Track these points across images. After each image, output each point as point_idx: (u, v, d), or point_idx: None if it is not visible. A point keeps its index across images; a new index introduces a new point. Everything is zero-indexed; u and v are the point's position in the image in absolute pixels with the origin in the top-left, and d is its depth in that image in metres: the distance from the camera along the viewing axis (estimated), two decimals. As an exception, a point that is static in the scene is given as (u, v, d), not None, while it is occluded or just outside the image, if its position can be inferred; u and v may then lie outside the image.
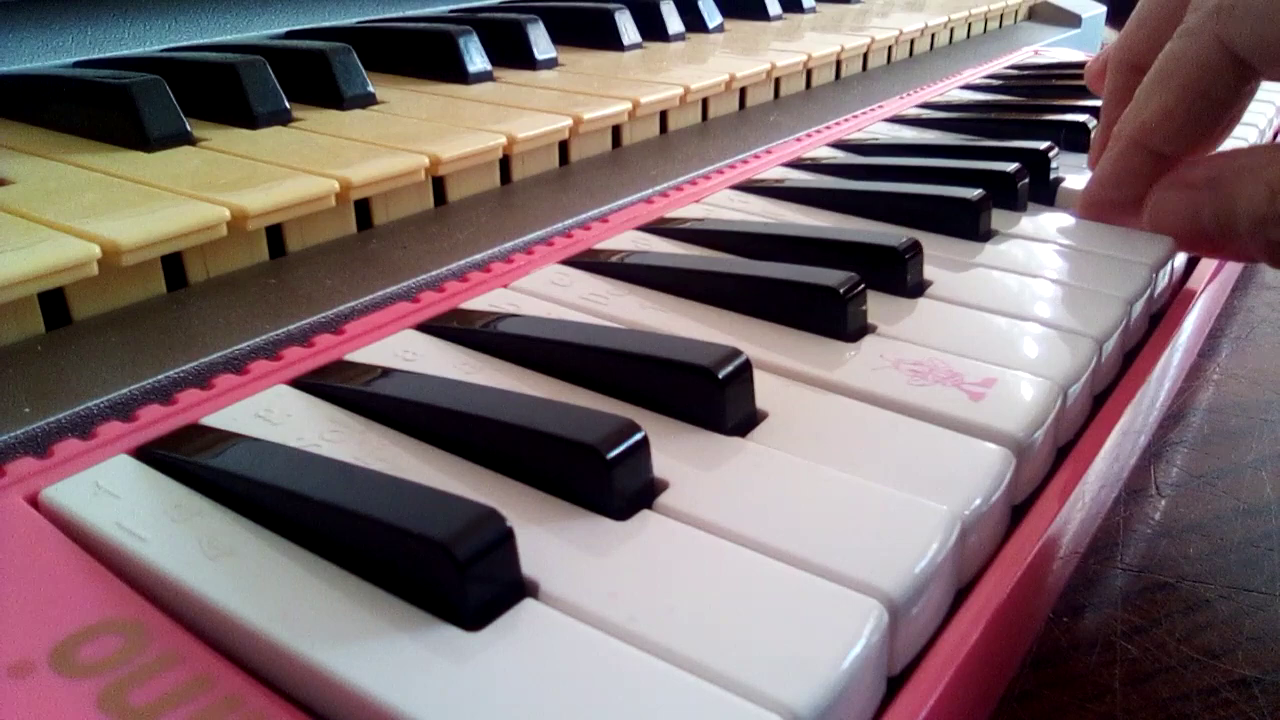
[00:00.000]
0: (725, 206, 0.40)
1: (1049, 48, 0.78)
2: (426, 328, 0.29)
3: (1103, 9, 0.96)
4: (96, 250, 0.29)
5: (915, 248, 0.32)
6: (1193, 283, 0.38)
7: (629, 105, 0.47)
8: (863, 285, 0.29)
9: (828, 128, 0.51)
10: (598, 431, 0.21)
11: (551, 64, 0.56)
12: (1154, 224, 0.34)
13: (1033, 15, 0.95)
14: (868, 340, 0.29)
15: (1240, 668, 0.24)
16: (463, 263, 0.35)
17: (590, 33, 0.62)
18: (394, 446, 0.23)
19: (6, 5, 0.48)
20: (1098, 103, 0.42)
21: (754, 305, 0.30)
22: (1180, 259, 0.38)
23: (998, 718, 0.23)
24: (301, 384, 0.26)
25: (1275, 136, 0.57)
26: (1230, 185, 0.30)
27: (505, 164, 0.43)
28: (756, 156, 0.46)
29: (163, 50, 0.53)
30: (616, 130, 0.49)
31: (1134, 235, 0.37)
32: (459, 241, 0.37)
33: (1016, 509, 0.24)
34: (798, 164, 0.45)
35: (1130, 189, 0.35)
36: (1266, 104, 0.59)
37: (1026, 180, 0.40)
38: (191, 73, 0.45)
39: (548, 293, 0.31)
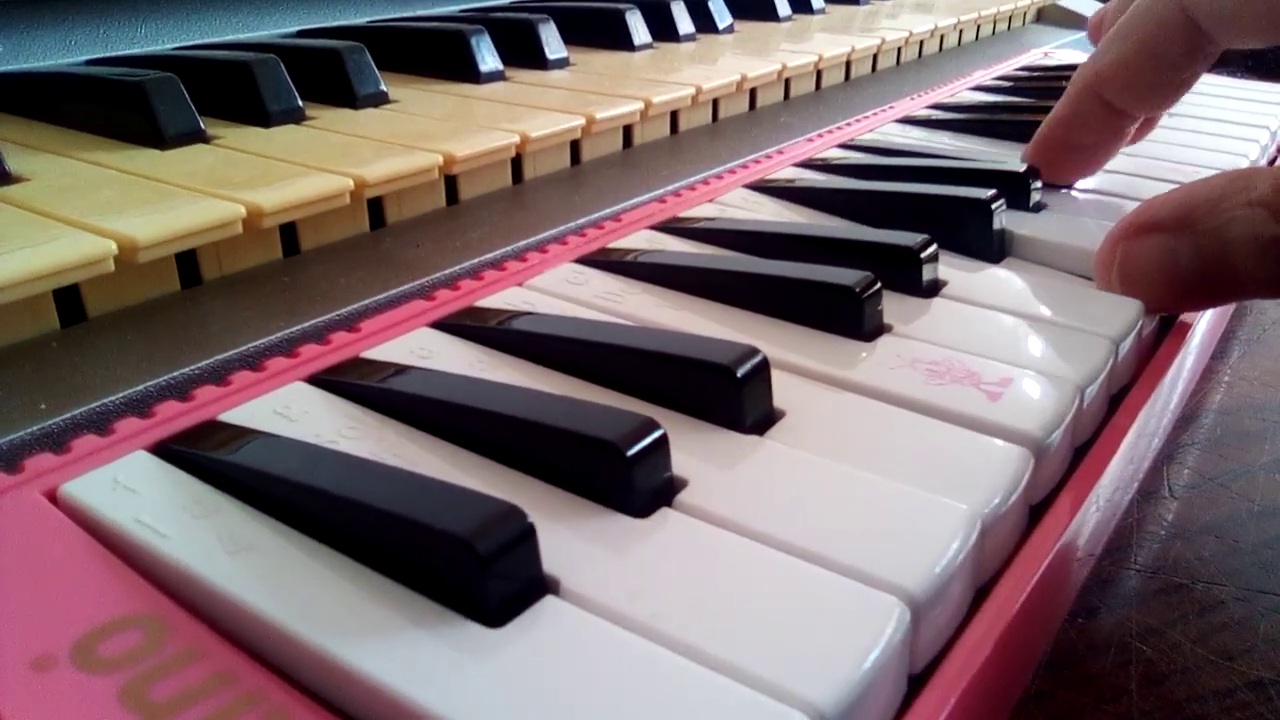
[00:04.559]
0: (738, 206, 0.40)
1: (1059, 49, 0.78)
2: (442, 325, 0.29)
3: (1111, 12, 0.95)
4: (113, 247, 0.29)
5: (930, 247, 0.32)
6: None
7: (641, 105, 0.47)
8: (878, 284, 0.29)
9: (839, 128, 0.51)
10: (618, 428, 0.21)
11: (563, 64, 0.56)
12: (1124, 280, 0.31)
13: (1041, 18, 0.95)
14: (884, 340, 0.29)
15: (1256, 669, 0.24)
16: (476, 261, 0.35)
17: (601, 33, 0.62)
18: (412, 443, 0.23)
19: (19, 3, 0.48)
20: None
21: (769, 304, 0.30)
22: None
23: (1015, 718, 0.23)
24: (319, 381, 0.26)
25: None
26: (1214, 217, 0.28)
27: (517, 163, 0.43)
28: (768, 157, 0.46)
29: (175, 49, 0.54)
30: (628, 130, 0.49)
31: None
32: (472, 240, 0.37)
33: (1034, 509, 0.24)
34: (810, 164, 0.45)
35: (1077, 134, 0.38)
36: (1273, 105, 0.59)
37: (1039, 181, 0.40)
38: (205, 71, 0.45)
39: (563, 291, 0.31)
